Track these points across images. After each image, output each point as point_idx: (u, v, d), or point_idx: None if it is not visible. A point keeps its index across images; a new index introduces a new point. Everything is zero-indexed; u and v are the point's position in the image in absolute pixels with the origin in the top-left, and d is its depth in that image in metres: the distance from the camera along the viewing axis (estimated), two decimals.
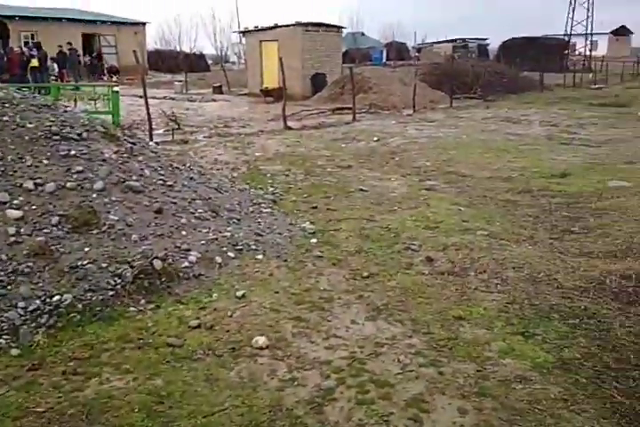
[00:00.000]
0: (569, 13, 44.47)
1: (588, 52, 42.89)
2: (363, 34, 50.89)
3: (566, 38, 42.93)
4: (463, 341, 3.43)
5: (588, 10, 44.28)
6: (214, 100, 20.68)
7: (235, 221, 5.25)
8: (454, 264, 4.63)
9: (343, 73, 21.49)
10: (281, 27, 21.53)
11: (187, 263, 4.30)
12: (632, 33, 66.30)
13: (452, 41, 45.36)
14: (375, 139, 11.43)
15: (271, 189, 7.22)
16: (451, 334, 3.51)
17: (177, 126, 12.08)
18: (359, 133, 12.26)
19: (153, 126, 11.27)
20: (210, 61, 44.55)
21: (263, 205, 6.05)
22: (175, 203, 5.01)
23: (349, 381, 3.02)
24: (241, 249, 4.75)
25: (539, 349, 3.32)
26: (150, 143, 7.03)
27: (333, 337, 3.49)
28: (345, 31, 28.30)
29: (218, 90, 24.12)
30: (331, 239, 5.31)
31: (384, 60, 43.03)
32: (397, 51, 45.01)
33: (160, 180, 5.24)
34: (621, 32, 65.44)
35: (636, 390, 2.92)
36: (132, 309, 3.77)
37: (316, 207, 6.40)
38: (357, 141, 11.27)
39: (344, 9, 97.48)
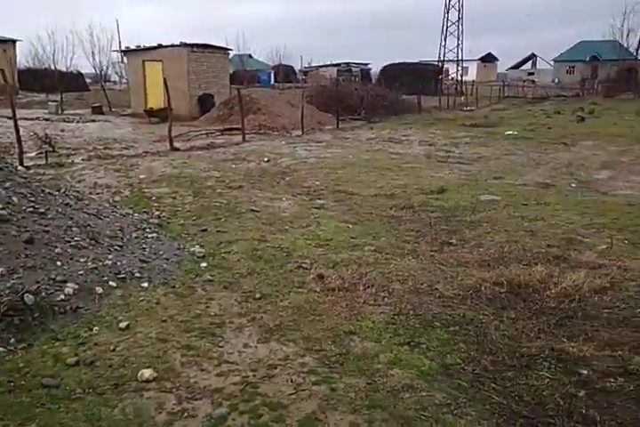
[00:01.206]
0: (441, 42, 48.28)
1: (459, 77, 46.66)
2: (250, 56, 51.45)
3: (440, 64, 46.44)
4: (354, 355, 3.50)
5: (458, 38, 48.36)
6: (94, 121, 19.69)
7: (116, 248, 4.98)
8: (344, 280, 4.73)
9: (231, 94, 21.49)
10: (165, 47, 21.13)
11: (62, 296, 4.00)
12: (497, 60, 73.36)
13: (336, 65, 47.26)
14: (265, 159, 11.50)
15: (157, 212, 6.97)
16: (342, 350, 3.56)
17: (51, 149, 11.31)
18: (249, 154, 12.27)
19: (24, 149, 10.46)
20: (89, 80, 42.50)
21: (148, 229, 5.81)
22: (48, 231, 4.66)
23: (242, 406, 2.95)
24: (124, 278, 4.51)
25: (424, 357, 3.48)
26: (19, 168, 6.52)
27: (225, 363, 3.41)
28: (232, 53, 28.44)
29: (97, 110, 23.01)
30: (222, 262, 5.22)
31: (272, 82, 43.72)
32: (285, 73, 45.97)
33: (30, 207, 4.86)
34: (488, 59, 72.19)
35: (512, 390, 3.15)
36: (0, 349, 3.42)
37: (205, 230, 6.27)
38: (247, 162, 11.27)
39: (230, 32, 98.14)
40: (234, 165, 10.84)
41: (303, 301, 4.34)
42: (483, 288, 4.56)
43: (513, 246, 5.75)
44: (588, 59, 58.29)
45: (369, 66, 47.77)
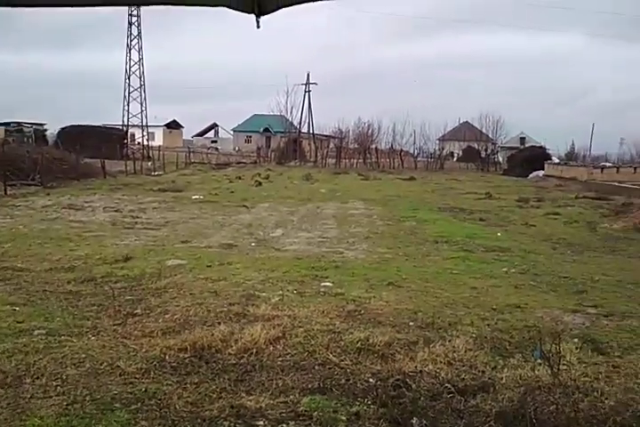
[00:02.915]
0: (124, 106, 48.36)
1: (146, 142, 47.20)
2: None
3: (124, 128, 46.25)
4: None
5: (142, 104, 49.24)
6: None
7: None
8: (6, 375, 4.06)
9: None
10: None
11: None
12: (182, 127, 76.95)
13: (5, 124, 42.30)
14: None
15: None
16: None
17: None
18: None
19: None
20: None
21: None
22: None
23: None
24: None
25: None
26: None
27: None
28: None
29: None
30: None
31: None
32: None
33: None
34: (174, 125, 75.16)
35: None
36: None
37: None
38: None
39: None
40: None
41: None
42: (167, 357, 4.50)
43: (198, 309, 5.89)
44: (262, 130, 66.42)
45: (44, 127, 44.22)
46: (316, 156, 49.90)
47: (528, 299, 6.59)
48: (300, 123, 54.75)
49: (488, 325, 5.47)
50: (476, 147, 55.20)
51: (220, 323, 5.39)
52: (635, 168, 32.45)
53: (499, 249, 10.03)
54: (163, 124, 70.85)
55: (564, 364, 4.21)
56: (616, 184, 26.23)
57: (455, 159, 59.26)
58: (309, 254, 9.25)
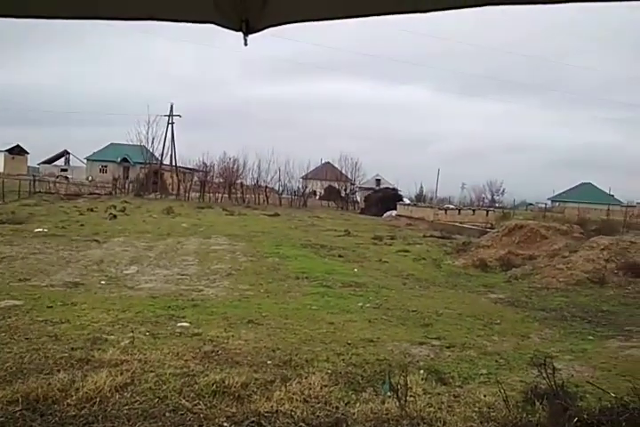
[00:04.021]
0: None
1: None
2: None
3: None
4: None
5: None
6: None
7: None
8: None
9: None
10: None
11: None
12: (27, 153, 70.39)
13: None
14: None
15: None
16: None
17: None
18: None
19: None
20: None
21: None
22: None
23: None
24: None
25: None
26: None
27: None
28: None
29: None
30: None
31: None
32: None
33: None
34: (17, 151, 68.49)
35: None
36: None
37: None
38: None
39: None
40: None
41: None
42: None
43: (34, 355, 5.29)
44: (119, 160, 63.20)
45: None
46: (179, 189, 48.58)
47: (380, 333, 6.91)
48: (162, 154, 53.18)
49: (343, 360, 5.62)
50: (337, 186, 57.86)
51: (59, 370, 4.88)
52: (473, 210, 36.20)
53: (355, 284, 10.45)
54: (4, 149, 64.43)
55: (410, 395, 4.45)
56: (457, 224, 28.98)
57: (318, 197, 61.40)
58: (166, 293, 8.85)
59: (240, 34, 1.91)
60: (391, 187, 54.27)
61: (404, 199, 48.52)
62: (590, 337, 7.40)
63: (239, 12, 1.88)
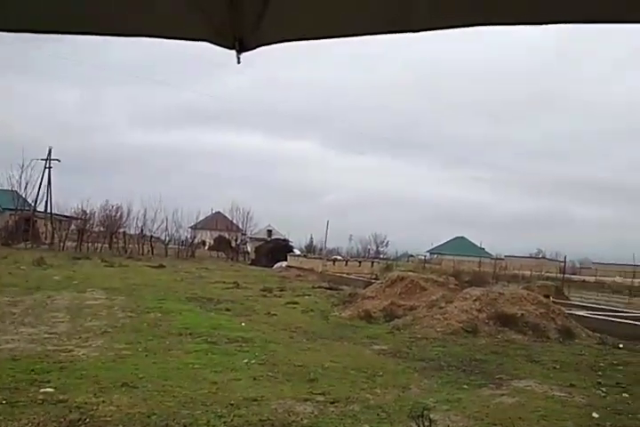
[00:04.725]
0: None
1: None
2: None
3: None
4: None
5: None
6: None
7: None
8: None
9: None
10: None
11: None
12: None
13: None
14: None
15: None
16: None
17: None
18: None
19: None
20: None
21: None
22: None
23: None
24: None
25: None
26: None
27: None
28: None
29: None
30: None
31: None
32: None
33: None
34: None
35: None
36: None
37: None
38: None
39: None
40: None
41: None
42: None
43: None
44: None
45: None
46: (53, 237, 45.12)
47: (265, 391, 6.74)
48: (37, 201, 49.41)
49: (224, 422, 5.39)
50: (228, 236, 57.15)
51: None
52: (359, 262, 37.40)
53: (242, 340, 10.19)
54: None
55: None
56: (345, 276, 29.67)
57: (207, 248, 60.07)
58: (29, 354, 8.01)
59: (233, 52, 1.93)
60: (282, 238, 54.71)
61: (295, 250, 49.02)
62: (465, 386, 7.76)
63: (234, 30, 1.90)
